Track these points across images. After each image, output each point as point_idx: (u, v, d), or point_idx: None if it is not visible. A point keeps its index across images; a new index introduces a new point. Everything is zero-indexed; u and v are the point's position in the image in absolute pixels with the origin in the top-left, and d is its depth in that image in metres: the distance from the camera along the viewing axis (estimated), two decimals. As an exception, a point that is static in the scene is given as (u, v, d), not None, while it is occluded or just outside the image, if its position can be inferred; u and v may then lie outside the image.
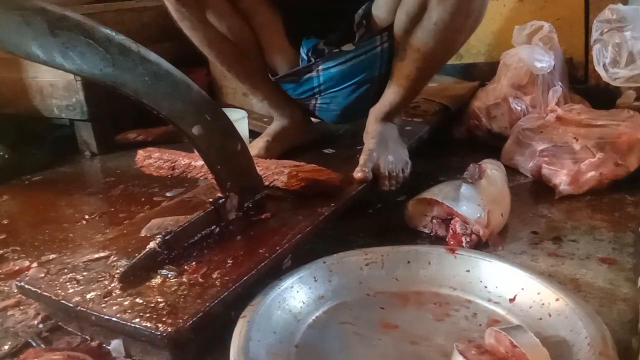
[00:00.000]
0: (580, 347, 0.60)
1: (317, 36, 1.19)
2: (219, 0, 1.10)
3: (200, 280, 0.73)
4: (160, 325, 0.64)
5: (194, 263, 0.77)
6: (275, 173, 0.98)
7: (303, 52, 1.20)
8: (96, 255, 0.82)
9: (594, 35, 1.33)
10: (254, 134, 1.50)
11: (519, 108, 1.42)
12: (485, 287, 0.76)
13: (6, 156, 1.60)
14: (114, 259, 0.80)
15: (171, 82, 0.77)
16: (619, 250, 0.89)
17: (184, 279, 0.73)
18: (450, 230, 0.93)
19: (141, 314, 0.66)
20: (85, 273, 0.77)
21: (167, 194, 1.29)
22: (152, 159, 1.08)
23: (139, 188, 1.37)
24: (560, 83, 1.43)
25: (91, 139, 1.73)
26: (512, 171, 1.22)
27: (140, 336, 0.65)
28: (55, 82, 1.69)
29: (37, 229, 1.16)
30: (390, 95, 1.13)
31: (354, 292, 0.78)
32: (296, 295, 0.74)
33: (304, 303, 0.74)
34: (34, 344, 0.74)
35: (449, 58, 1.14)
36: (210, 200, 0.88)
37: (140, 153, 1.10)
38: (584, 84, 1.62)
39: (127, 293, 0.71)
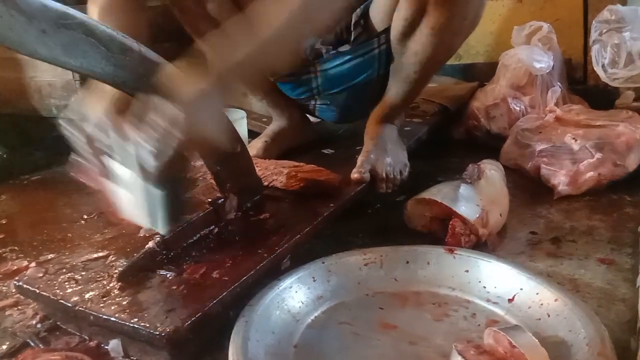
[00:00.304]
0: (579, 348, 0.60)
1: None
2: None
3: (199, 280, 0.72)
4: (159, 325, 0.63)
5: (192, 263, 0.77)
6: (274, 173, 0.98)
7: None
8: (95, 255, 0.82)
9: (593, 35, 1.33)
10: (252, 134, 1.50)
11: (518, 108, 1.42)
12: (484, 287, 0.76)
13: (4, 156, 1.60)
14: (113, 258, 0.80)
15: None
16: (618, 251, 0.89)
17: (182, 279, 0.73)
18: (449, 231, 0.92)
19: (140, 313, 0.66)
20: (83, 273, 0.77)
21: (166, 194, 1.29)
22: None
23: (138, 188, 1.36)
24: (559, 83, 1.43)
25: (90, 139, 1.72)
26: (510, 171, 1.22)
27: (139, 336, 0.65)
28: (53, 82, 1.69)
29: (35, 229, 1.16)
30: (390, 97, 1.14)
31: (353, 292, 0.78)
32: (295, 295, 0.74)
33: (302, 303, 0.74)
34: (32, 344, 0.73)
35: (447, 60, 1.15)
36: (210, 200, 0.88)
37: None
38: (582, 85, 1.62)
39: (125, 293, 0.71)
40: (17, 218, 1.28)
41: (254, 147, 1.23)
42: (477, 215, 0.91)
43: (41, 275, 0.77)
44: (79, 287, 0.73)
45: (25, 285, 0.75)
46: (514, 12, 1.71)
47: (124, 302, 0.69)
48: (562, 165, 1.12)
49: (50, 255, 1.01)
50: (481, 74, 1.71)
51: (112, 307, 0.68)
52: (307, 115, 1.37)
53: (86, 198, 1.36)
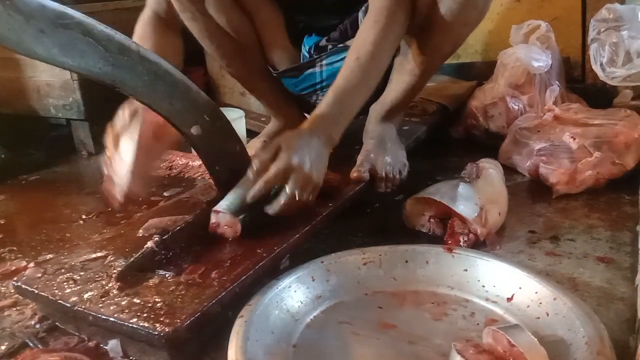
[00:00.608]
0: (578, 346, 0.60)
1: (318, 34, 1.19)
2: None
3: (198, 280, 0.72)
4: (157, 325, 0.63)
5: (191, 263, 0.77)
6: None
7: (305, 50, 1.19)
8: (93, 255, 0.82)
9: (591, 34, 1.33)
10: (251, 134, 1.50)
11: (517, 107, 1.42)
12: (483, 286, 0.76)
13: (3, 156, 1.60)
14: (112, 258, 0.80)
15: (170, 82, 0.77)
16: (617, 250, 0.89)
17: (181, 279, 0.73)
18: (448, 230, 0.93)
19: (139, 314, 0.66)
20: (82, 273, 0.77)
21: (165, 194, 1.29)
22: None
23: (137, 188, 1.36)
24: (557, 82, 1.43)
25: (88, 139, 1.72)
26: (509, 170, 1.22)
27: (138, 336, 0.65)
28: (52, 82, 1.69)
29: (34, 229, 1.16)
30: (392, 92, 1.13)
31: (352, 292, 0.78)
32: (294, 295, 0.74)
33: (301, 303, 0.74)
34: (30, 345, 0.73)
35: (451, 53, 1.14)
36: (208, 200, 0.88)
37: None
38: (581, 83, 1.62)
39: (124, 293, 0.71)
40: (16, 218, 1.28)
41: (253, 147, 1.23)
42: (476, 214, 0.91)
43: (40, 275, 0.77)
44: (78, 287, 0.73)
45: (23, 286, 0.75)
46: (512, 10, 1.71)
47: (123, 302, 0.68)
48: (561, 164, 1.12)
49: (49, 255, 1.01)
50: (479, 73, 1.71)
51: (111, 307, 0.68)
52: (306, 115, 1.36)
53: (85, 198, 1.36)
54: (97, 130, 1.72)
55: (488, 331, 0.60)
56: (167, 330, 0.63)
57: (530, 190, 1.17)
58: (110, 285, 0.73)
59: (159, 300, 0.68)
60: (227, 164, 0.89)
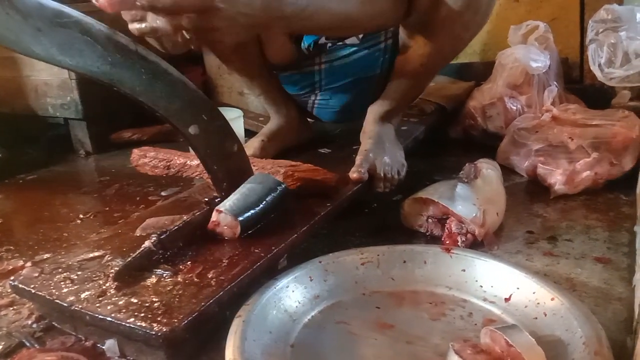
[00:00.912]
0: (576, 347, 0.60)
1: None
2: None
3: (196, 279, 0.72)
4: (155, 324, 0.63)
5: (189, 262, 0.77)
6: (271, 173, 0.98)
7: (304, 47, 1.19)
8: (91, 255, 0.81)
9: (589, 35, 1.33)
10: (249, 133, 1.50)
11: (515, 108, 1.42)
12: (481, 286, 0.76)
13: (0, 155, 1.59)
14: (109, 258, 0.80)
15: (169, 81, 0.77)
16: (614, 250, 0.89)
17: (179, 279, 0.73)
18: (446, 230, 0.93)
19: (136, 313, 0.66)
20: (79, 272, 0.76)
21: (162, 194, 1.29)
22: (147, 158, 1.07)
23: (134, 187, 1.36)
24: (555, 83, 1.44)
25: (86, 138, 1.72)
26: (507, 171, 1.22)
27: (135, 336, 0.65)
28: (49, 81, 1.68)
29: (31, 229, 1.16)
30: (391, 93, 1.13)
31: (350, 292, 0.78)
32: (292, 294, 0.74)
33: (299, 303, 0.74)
34: (27, 344, 0.73)
35: (453, 56, 1.14)
36: (206, 199, 0.88)
37: (135, 152, 1.10)
38: (579, 84, 1.63)
39: (121, 292, 0.70)
40: (13, 217, 1.28)
41: (251, 147, 1.22)
42: (474, 215, 0.91)
43: (37, 275, 0.77)
44: (75, 287, 0.73)
45: (20, 285, 0.75)
46: (511, 11, 1.71)
47: (120, 302, 0.68)
48: (559, 165, 1.12)
49: (46, 254, 1.01)
50: (478, 73, 1.71)
51: (108, 307, 0.67)
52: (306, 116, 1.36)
53: (82, 197, 1.36)
54: (95, 129, 1.72)
55: (486, 331, 0.60)
56: (164, 330, 0.62)
57: (528, 191, 1.17)
58: (107, 284, 0.72)
59: (157, 299, 0.68)
60: (225, 163, 0.89)
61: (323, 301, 0.76)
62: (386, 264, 0.81)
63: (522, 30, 1.46)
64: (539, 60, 1.39)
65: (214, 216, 0.83)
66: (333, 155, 1.25)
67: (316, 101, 1.27)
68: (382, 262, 0.81)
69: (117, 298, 0.69)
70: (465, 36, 1.06)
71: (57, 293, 0.72)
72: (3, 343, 0.74)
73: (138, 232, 0.88)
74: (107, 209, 1.25)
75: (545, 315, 0.67)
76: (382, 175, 1.05)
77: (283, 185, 0.91)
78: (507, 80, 1.44)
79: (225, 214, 0.82)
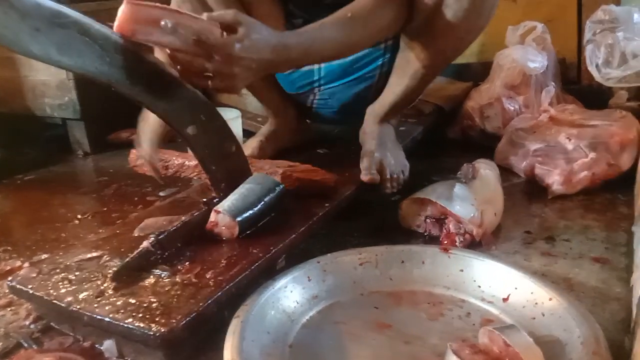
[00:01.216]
0: (574, 347, 0.60)
1: None
2: None
3: (194, 280, 0.72)
4: (153, 325, 0.63)
5: (187, 263, 0.77)
6: (270, 173, 0.98)
7: None
8: (89, 255, 0.81)
9: (587, 35, 1.34)
10: (248, 134, 1.49)
11: (512, 108, 1.42)
12: (479, 286, 0.76)
13: (-2, 155, 1.59)
14: (107, 258, 0.80)
15: (167, 82, 0.77)
16: (612, 250, 0.89)
17: (177, 279, 0.73)
18: (444, 230, 0.93)
19: (134, 314, 0.66)
20: (77, 273, 0.76)
21: (161, 194, 1.29)
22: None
23: (132, 188, 1.36)
24: (553, 83, 1.44)
25: (84, 138, 1.72)
26: (505, 171, 1.22)
27: (133, 336, 0.65)
28: (47, 81, 1.68)
29: (29, 229, 1.15)
30: (391, 94, 1.12)
31: (348, 292, 0.78)
32: (290, 295, 0.74)
33: (297, 303, 0.74)
34: (25, 345, 0.73)
35: (455, 58, 1.13)
36: (204, 200, 0.88)
37: (134, 152, 1.10)
38: (576, 85, 1.63)
39: (120, 293, 0.70)
40: (11, 218, 1.28)
41: (249, 147, 1.22)
42: (472, 215, 0.91)
43: (35, 275, 0.77)
44: (73, 287, 0.73)
45: (18, 286, 0.75)
46: (508, 11, 1.71)
47: (118, 302, 0.68)
48: (556, 165, 1.12)
49: (44, 255, 1.01)
50: (475, 73, 1.71)
51: (107, 307, 0.67)
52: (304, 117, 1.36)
53: (80, 198, 1.35)
54: (93, 130, 1.72)
55: (484, 331, 0.60)
56: (162, 330, 0.62)
57: (526, 191, 1.18)
58: (105, 285, 0.72)
59: (155, 300, 0.68)
60: (224, 164, 0.89)
61: (321, 301, 0.76)
62: (384, 264, 0.81)
63: (520, 31, 1.46)
64: (537, 61, 1.39)
65: (213, 217, 0.83)
66: (331, 156, 1.25)
67: (315, 101, 1.27)
68: (381, 262, 0.81)
69: (115, 298, 0.69)
70: (467, 39, 1.05)
71: (55, 293, 0.72)
72: (1, 344, 0.74)
73: (136, 233, 0.88)
74: (105, 209, 1.25)
75: (543, 315, 0.68)
76: (388, 176, 1.06)
77: (281, 186, 0.91)
78: (504, 80, 1.44)
79: (223, 215, 0.82)
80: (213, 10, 1.05)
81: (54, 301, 0.71)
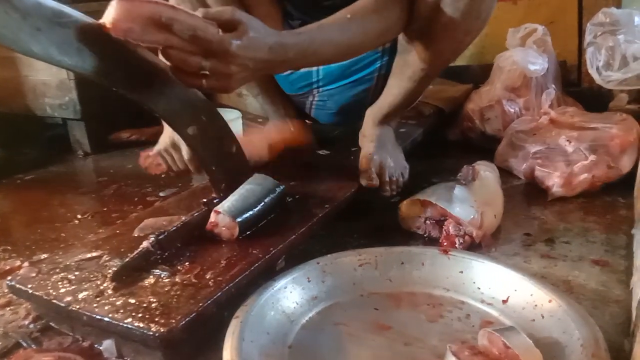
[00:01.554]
0: (573, 349, 0.60)
1: None
2: None
3: (194, 280, 0.72)
4: (152, 325, 0.63)
5: (187, 263, 0.77)
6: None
7: None
8: (88, 255, 0.81)
9: (587, 38, 1.34)
10: (248, 135, 1.50)
11: (513, 110, 1.42)
12: (479, 288, 0.76)
13: (-2, 155, 1.59)
14: (107, 258, 0.80)
15: (167, 82, 0.77)
16: (612, 252, 0.89)
17: (177, 279, 0.73)
18: (444, 232, 0.93)
19: (133, 314, 0.65)
20: (77, 273, 0.76)
21: (161, 194, 1.29)
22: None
23: (132, 188, 1.36)
24: (553, 86, 1.44)
25: (84, 139, 1.72)
26: (505, 173, 1.22)
27: (133, 336, 0.65)
28: (48, 81, 1.68)
29: (29, 229, 1.16)
30: (390, 96, 1.12)
31: (348, 293, 0.78)
32: (289, 295, 0.74)
33: (297, 304, 0.74)
34: (24, 345, 0.73)
35: (453, 59, 1.13)
36: (205, 200, 0.88)
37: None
38: (577, 87, 1.63)
39: (119, 293, 0.70)
40: (11, 217, 1.28)
41: (249, 148, 1.22)
42: (472, 217, 0.91)
43: (34, 275, 0.77)
44: (72, 287, 0.72)
45: (18, 285, 0.75)
46: (509, 14, 1.72)
47: (118, 302, 0.68)
48: (556, 167, 1.12)
49: (44, 255, 1.01)
50: (475, 76, 1.72)
51: (106, 307, 0.67)
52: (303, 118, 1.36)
53: (80, 198, 1.36)
54: (93, 130, 1.72)
55: (483, 333, 0.60)
56: (162, 330, 0.62)
57: (525, 193, 1.18)
58: (105, 285, 0.72)
59: (154, 300, 0.68)
60: (224, 164, 0.89)
61: (321, 302, 0.76)
62: (384, 266, 0.81)
63: (521, 33, 1.46)
64: (537, 63, 1.39)
65: (213, 217, 0.83)
66: (332, 157, 1.25)
67: (314, 102, 1.27)
68: (380, 263, 0.81)
69: (114, 298, 0.69)
70: (466, 40, 1.05)
71: (54, 293, 0.72)
72: (0, 343, 0.74)
73: (136, 233, 0.87)
74: (105, 209, 1.25)
75: (543, 317, 0.68)
76: (387, 179, 1.05)
77: (282, 187, 0.91)
78: (505, 83, 1.44)
79: (223, 215, 0.82)
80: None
81: (54, 301, 0.71)
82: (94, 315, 0.67)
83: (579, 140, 1.14)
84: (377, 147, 1.10)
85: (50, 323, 0.76)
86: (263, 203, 0.86)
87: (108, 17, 0.65)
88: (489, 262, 0.79)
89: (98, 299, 0.69)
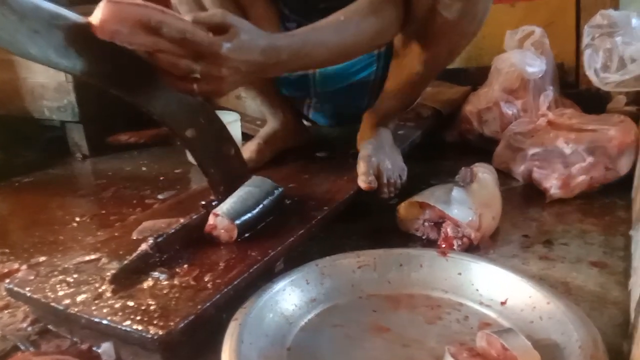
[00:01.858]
0: (572, 351, 0.60)
1: None
2: None
3: (192, 282, 0.72)
4: (151, 328, 0.63)
5: (185, 266, 0.77)
6: None
7: None
8: (87, 258, 0.81)
9: (585, 40, 1.34)
10: (246, 137, 1.50)
11: (511, 112, 1.43)
12: (477, 290, 0.76)
13: (-4, 157, 1.59)
14: (105, 261, 0.80)
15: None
16: (610, 254, 0.89)
17: (175, 282, 0.73)
18: (442, 234, 0.93)
19: (132, 316, 0.65)
20: (75, 275, 0.76)
21: (159, 197, 1.29)
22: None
23: (131, 190, 1.36)
24: (551, 87, 1.44)
25: (82, 141, 1.72)
26: (503, 175, 1.22)
27: (131, 339, 0.65)
28: (46, 83, 1.68)
29: (27, 231, 1.15)
30: (387, 99, 1.13)
31: (346, 295, 0.78)
32: (288, 298, 0.74)
33: (296, 306, 0.74)
34: (22, 348, 0.73)
35: (450, 62, 1.14)
36: (203, 203, 0.88)
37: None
38: (575, 89, 1.63)
39: (118, 295, 0.70)
40: (9, 220, 1.27)
41: (247, 150, 1.22)
42: (470, 219, 0.91)
43: (32, 277, 0.77)
44: (71, 290, 0.72)
45: (16, 288, 0.75)
46: (507, 16, 1.72)
47: (116, 305, 0.68)
48: (554, 169, 1.13)
49: (42, 257, 1.01)
50: (473, 78, 1.72)
51: (104, 310, 0.67)
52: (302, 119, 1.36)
53: (79, 200, 1.35)
54: (91, 132, 1.72)
55: (482, 335, 0.60)
56: (160, 333, 0.62)
57: (524, 195, 1.18)
58: (103, 287, 0.72)
59: (153, 303, 0.68)
60: (222, 167, 0.89)
61: (319, 304, 0.76)
62: (382, 267, 0.81)
63: (518, 35, 1.47)
64: (535, 65, 1.40)
65: (211, 219, 0.83)
66: (330, 159, 1.25)
67: (311, 105, 1.27)
68: (379, 265, 0.81)
69: (113, 301, 0.69)
70: (461, 43, 1.06)
71: (52, 296, 0.71)
72: (-2, 346, 0.74)
73: (135, 235, 0.87)
74: (104, 212, 1.25)
75: (541, 319, 0.68)
76: (385, 180, 1.05)
77: (280, 189, 0.91)
78: (503, 84, 1.44)
79: (222, 218, 0.82)
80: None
81: (52, 303, 0.70)
82: (93, 318, 0.67)
83: (577, 142, 1.15)
84: (375, 149, 1.09)
85: (49, 326, 0.76)
86: (262, 205, 0.86)
87: (95, 18, 0.64)
88: (487, 263, 0.79)
89: (96, 301, 0.69)
